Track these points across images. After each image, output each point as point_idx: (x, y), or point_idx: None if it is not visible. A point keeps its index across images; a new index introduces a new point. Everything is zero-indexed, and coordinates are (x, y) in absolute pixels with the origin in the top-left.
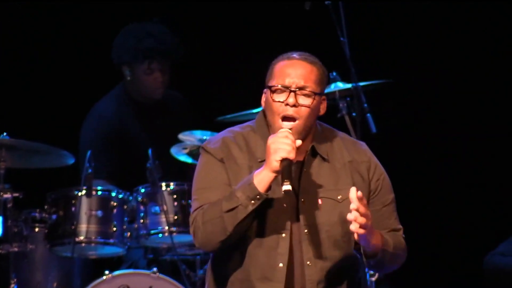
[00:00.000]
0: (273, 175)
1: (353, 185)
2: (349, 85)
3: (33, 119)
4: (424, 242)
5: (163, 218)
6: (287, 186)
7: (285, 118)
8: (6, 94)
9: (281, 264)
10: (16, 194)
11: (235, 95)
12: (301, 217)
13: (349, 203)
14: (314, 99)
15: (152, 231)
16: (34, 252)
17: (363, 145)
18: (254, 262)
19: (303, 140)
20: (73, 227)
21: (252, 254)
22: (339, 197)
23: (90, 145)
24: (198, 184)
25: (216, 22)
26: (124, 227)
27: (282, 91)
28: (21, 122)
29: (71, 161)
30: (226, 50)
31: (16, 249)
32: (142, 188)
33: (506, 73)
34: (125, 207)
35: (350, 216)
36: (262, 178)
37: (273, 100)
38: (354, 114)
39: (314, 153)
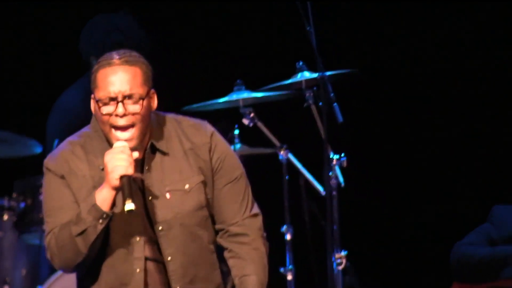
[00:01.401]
0: (114, 192)
1: (198, 171)
2: (315, 75)
3: (1, 108)
4: (391, 232)
5: None
6: (129, 206)
7: (118, 128)
8: None
9: (138, 269)
10: None
11: (201, 84)
12: (152, 216)
13: (198, 190)
14: (143, 103)
15: None
16: (3, 240)
17: (204, 126)
18: (111, 271)
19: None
20: (41, 215)
21: (109, 264)
22: (186, 187)
23: (56, 134)
24: (45, 205)
25: (182, 11)
26: None
27: (108, 102)
28: None
29: (38, 150)
30: (192, 39)
31: None
32: None
33: (479, 63)
34: None
35: None
36: (104, 197)
37: (102, 114)
38: (320, 103)
39: (153, 149)
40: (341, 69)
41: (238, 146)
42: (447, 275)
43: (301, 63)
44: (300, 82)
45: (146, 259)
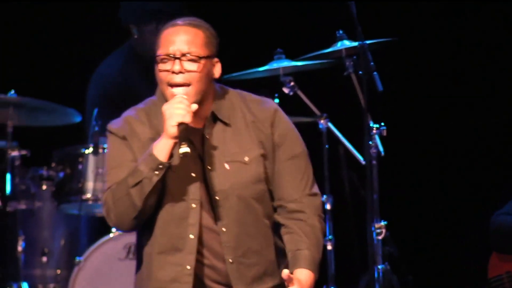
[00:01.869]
0: (172, 141)
1: (259, 144)
2: (355, 43)
3: (41, 76)
4: (431, 201)
5: None
6: (184, 149)
7: (174, 86)
8: (13, 51)
9: (191, 235)
10: (23, 152)
11: (241, 53)
12: (210, 184)
13: (257, 163)
14: (200, 63)
15: None
16: (42, 210)
17: (268, 102)
18: (164, 235)
19: (200, 105)
20: (80, 185)
21: (163, 227)
22: (246, 159)
23: (95, 103)
24: (107, 166)
25: None
26: None
27: (167, 60)
28: (29, 80)
29: (77, 119)
30: (231, 9)
31: (23, 207)
32: None
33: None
34: None
35: None
36: (162, 147)
37: (160, 70)
38: (360, 72)
39: (214, 118)
40: (381, 37)
41: None
42: (487, 245)
43: (341, 31)
44: (340, 51)
45: (201, 226)
